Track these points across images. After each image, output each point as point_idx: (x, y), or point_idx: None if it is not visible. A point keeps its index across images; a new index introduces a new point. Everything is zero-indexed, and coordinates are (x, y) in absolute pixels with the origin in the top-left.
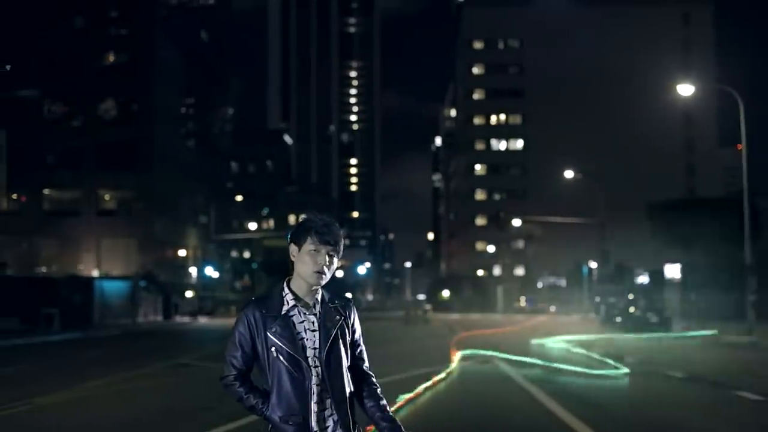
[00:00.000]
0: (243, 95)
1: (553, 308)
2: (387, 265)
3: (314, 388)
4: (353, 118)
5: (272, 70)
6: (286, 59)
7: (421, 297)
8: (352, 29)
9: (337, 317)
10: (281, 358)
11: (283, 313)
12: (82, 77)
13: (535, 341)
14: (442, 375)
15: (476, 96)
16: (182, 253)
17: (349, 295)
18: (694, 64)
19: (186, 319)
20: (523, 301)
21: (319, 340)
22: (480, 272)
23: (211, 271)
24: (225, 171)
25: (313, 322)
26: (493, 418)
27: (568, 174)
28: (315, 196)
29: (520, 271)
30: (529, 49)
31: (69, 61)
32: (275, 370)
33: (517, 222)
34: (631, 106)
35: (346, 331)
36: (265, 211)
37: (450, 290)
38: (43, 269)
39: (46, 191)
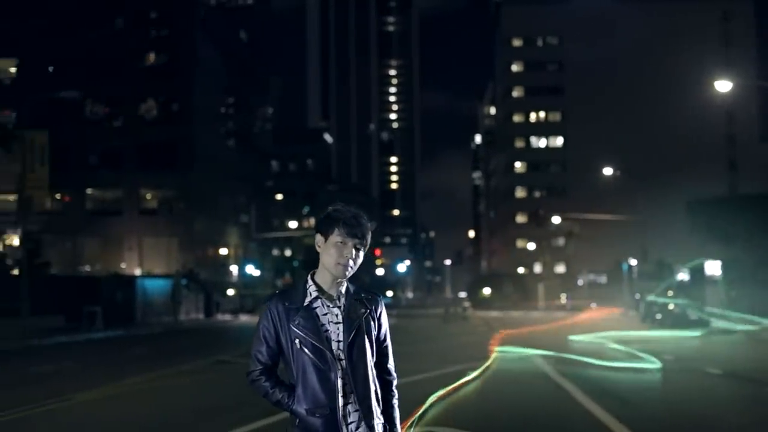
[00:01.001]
0: (283, 94)
1: (593, 305)
2: (428, 263)
3: (339, 381)
4: (393, 116)
5: (312, 69)
6: (326, 58)
7: (462, 295)
8: (390, 28)
9: (362, 310)
10: (305, 350)
11: (305, 304)
12: (123, 78)
13: (573, 338)
14: (477, 372)
15: (515, 94)
16: (223, 251)
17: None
18: (734, 60)
19: (227, 317)
20: (563, 299)
21: (343, 332)
22: (521, 270)
23: (252, 270)
24: (265, 170)
25: (336, 315)
26: (525, 414)
27: (607, 171)
28: (355, 195)
29: (560, 269)
30: (568, 46)
31: (110, 62)
32: (300, 363)
33: (556, 219)
34: (671, 102)
35: (372, 325)
36: (306, 210)
37: (490, 288)
38: (87, 268)
39: (88, 191)
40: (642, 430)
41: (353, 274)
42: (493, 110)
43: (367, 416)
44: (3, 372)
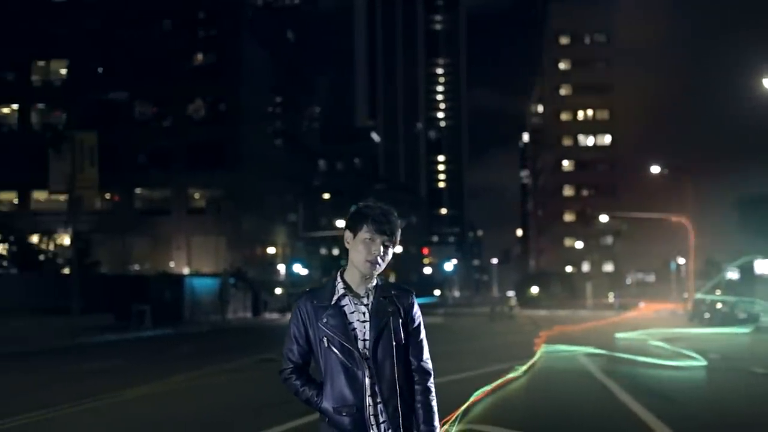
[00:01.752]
0: (330, 93)
1: (642, 304)
2: (475, 262)
3: (367, 380)
4: (440, 115)
5: (359, 68)
6: (373, 57)
7: (510, 293)
8: (438, 26)
9: (390, 308)
10: (333, 348)
11: (333, 302)
12: (171, 78)
13: (619, 335)
14: (521, 370)
15: (563, 92)
16: (271, 250)
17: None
18: None
19: (275, 316)
20: (611, 297)
21: (369, 331)
22: (568, 268)
23: (299, 269)
24: (313, 169)
25: (364, 313)
26: (567, 412)
27: (655, 169)
28: (403, 194)
29: (608, 267)
30: (616, 43)
31: (158, 62)
32: (328, 361)
33: (604, 218)
34: (723, 98)
35: (400, 322)
36: (354, 209)
37: (538, 286)
38: (136, 267)
39: (137, 191)
40: (683, 429)
41: (401, 273)
42: (540, 108)
43: (392, 417)
44: (55, 369)
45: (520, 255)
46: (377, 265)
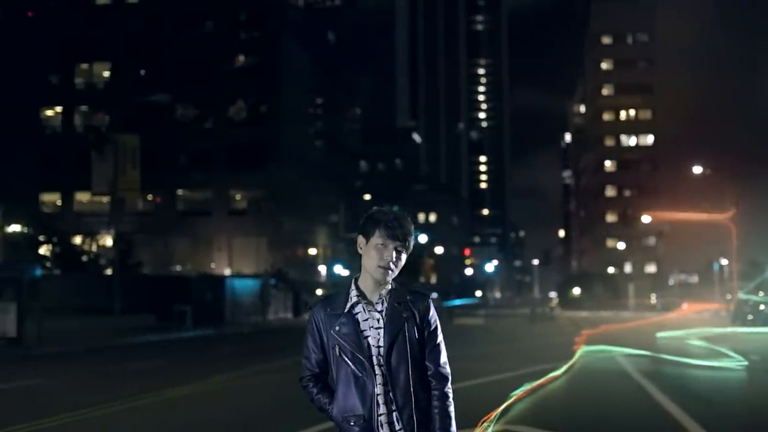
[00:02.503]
0: (371, 94)
1: (685, 305)
2: (517, 263)
3: (379, 388)
4: (482, 115)
5: (400, 68)
6: (414, 58)
7: (552, 294)
8: (479, 27)
9: (405, 314)
10: (344, 357)
11: (346, 310)
12: (212, 80)
13: (660, 335)
14: (559, 371)
15: (605, 92)
16: (312, 251)
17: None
18: None
19: None
20: (653, 299)
21: (383, 338)
22: (611, 269)
23: (340, 269)
24: (354, 170)
25: (378, 320)
26: (604, 412)
27: (697, 170)
28: (444, 194)
29: (651, 269)
30: (659, 43)
31: (200, 64)
32: (339, 369)
33: (646, 219)
34: (766, 98)
35: (415, 329)
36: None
37: (580, 287)
38: (178, 267)
39: (179, 192)
40: (719, 429)
41: (443, 274)
42: (582, 108)
43: (407, 425)
44: (97, 369)
45: (562, 256)
46: (390, 271)
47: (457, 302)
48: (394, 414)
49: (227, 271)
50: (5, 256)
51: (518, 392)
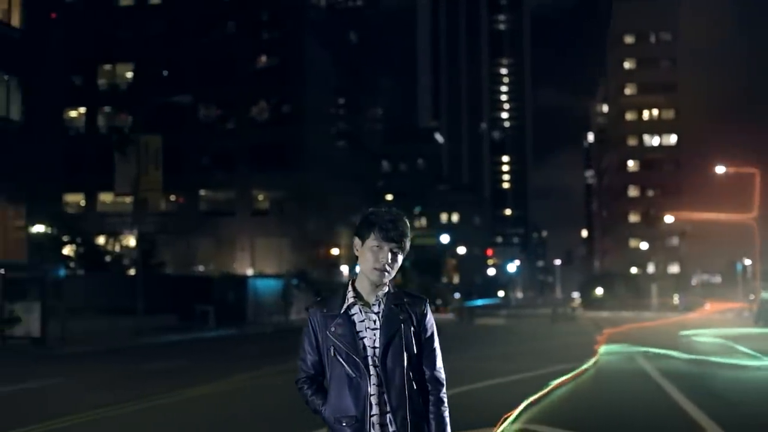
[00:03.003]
0: (393, 94)
1: (707, 305)
2: (540, 263)
3: (373, 389)
4: (504, 115)
5: (422, 68)
6: (436, 57)
7: (575, 295)
8: (501, 26)
9: (402, 316)
10: (339, 358)
11: (342, 311)
12: (234, 81)
13: (683, 334)
14: (578, 371)
15: (628, 91)
16: (334, 251)
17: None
18: None
19: None
20: (676, 299)
21: (379, 339)
22: (633, 270)
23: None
24: (376, 170)
25: (374, 321)
26: (621, 412)
27: (720, 169)
28: (466, 194)
29: (674, 269)
30: (682, 42)
31: (222, 65)
32: (333, 371)
33: (669, 219)
34: None
35: (412, 331)
36: (417, 210)
37: (603, 288)
38: (200, 268)
39: (202, 192)
40: (736, 426)
41: (463, 274)
42: (605, 108)
43: (401, 427)
44: (119, 369)
45: (585, 256)
46: (386, 273)
47: (479, 302)
48: (387, 416)
49: (249, 272)
50: (29, 257)
51: (538, 394)
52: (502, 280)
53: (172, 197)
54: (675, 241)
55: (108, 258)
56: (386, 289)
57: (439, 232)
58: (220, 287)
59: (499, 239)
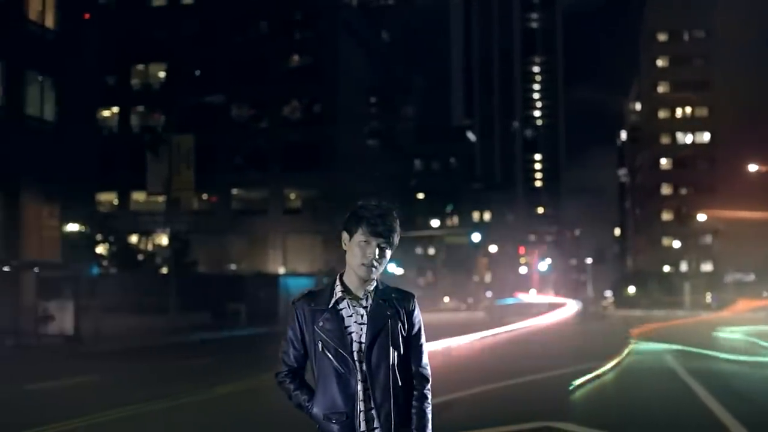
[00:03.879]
0: (425, 93)
1: (740, 303)
2: (572, 261)
3: (359, 385)
4: (537, 113)
5: (455, 66)
6: (469, 56)
7: (608, 293)
8: (534, 24)
9: (389, 311)
10: (327, 353)
11: (330, 306)
12: (267, 80)
13: (716, 333)
14: (604, 368)
15: (661, 89)
16: None
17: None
18: None
19: None
20: (708, 297)
21: (365, 333)
22: (666, 268)
23: (393, 268)
24: (408, 169)
25: (362, 316)
26: (646, 410)
27: (753, 167)
28: (499, 193)
29: (707, 267)
30: (715, 39)
31: (255, 64)
32: (321, 366)
33: (702, 217)
34: None
35: (398, 327)
36: (449, 209)
37: (636, 286)
38: (233, 266)
39: (234, 191)
40: (758, 425)
41: (494, 272)
42: (638, 106)
43: (385, 423)
44: (151, 366)
45: (618, 254)
46: (373, 268)
47: (510, 301)
48: (372, 411)
49: (281, 270)
50: (63, 256)
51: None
52: (535, 278)
53: (205, 196)
54: (708, 239)
55: (141, 257)
56: (375, 283)
57: (470, 230)
58: (252, 286)
59: (532, 237)
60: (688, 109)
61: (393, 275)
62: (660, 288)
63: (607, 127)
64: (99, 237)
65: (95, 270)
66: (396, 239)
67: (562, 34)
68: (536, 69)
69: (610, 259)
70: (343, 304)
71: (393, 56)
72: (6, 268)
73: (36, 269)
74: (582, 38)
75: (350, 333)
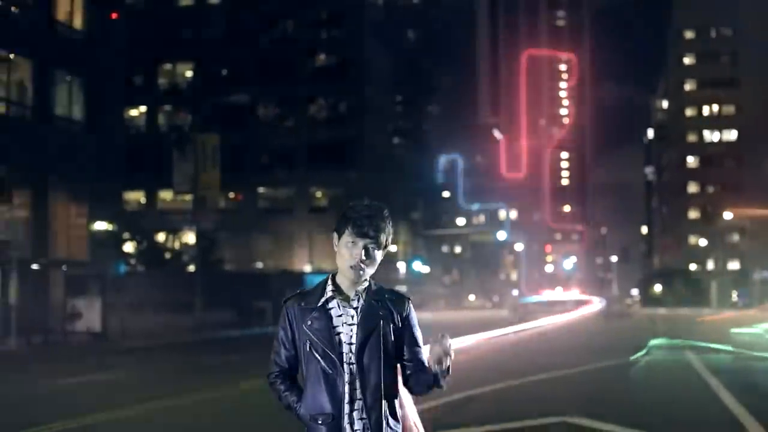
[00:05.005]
0: (451, 91)
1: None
2: (599, 260)
3: (347, 387)
4: (563, 111)
5: (482, 64)
6: (495, 54)
7: (634, 292)
8: (561, 22)
9: (381, 312)
10: (315, 353)
11: (319, 304)
12: (293, 79)
13: (735, 330)
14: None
15: (688, 87)
16: (392, 248)
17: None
18: None
19: None
20: (735, 296)
21: (356, 334)
22: (693, 266)
23: (419, 266)
24: (434, 167)
25: (352, 316)
26: (664, 406)
27: None
28: (525, 191)
29: (734, 265)
30: (743, 37)
31: (281, 63)
32: (309, 366)
33: (728, 215)
34: None
35: (391, 328)
36: (476, 207)
37: (662, 285)
38: (259, 264)
39: (260, 190)
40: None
41: (520, 270)
42: (665, 104)
43: (375, 427)
44: (177, 362)
45: (644, 253)
46: (362, 270)
47: (534, 299)
48: (355, 413)
49: (307, 268)
50: (90, 254)
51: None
52: (561, 276)
53: (231, 195)
54: (735, 237)
55: (167, 255)
56: (367, 284)
57: (496, 228)
58: (277, 284)
59: (558, 236)
60: (715, 107)
61: (420, 274)
62: (686, 286)
63: (634, 125)
64: (126, 235)
65: (122, 268)
66: (385, 239)
67: (589, 31)
68: (563, 67)
69: (636, 258)
70: (333, 304)
71: (420, 55)
72: (35, 266)
73: (64, 267)
74: (610, 36)
75: (338, 333)
